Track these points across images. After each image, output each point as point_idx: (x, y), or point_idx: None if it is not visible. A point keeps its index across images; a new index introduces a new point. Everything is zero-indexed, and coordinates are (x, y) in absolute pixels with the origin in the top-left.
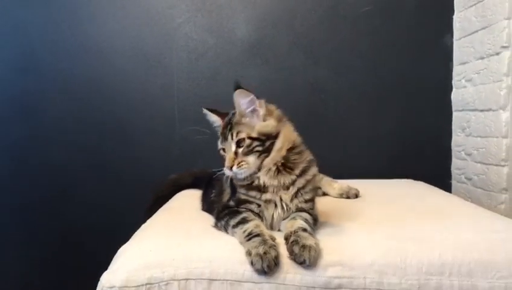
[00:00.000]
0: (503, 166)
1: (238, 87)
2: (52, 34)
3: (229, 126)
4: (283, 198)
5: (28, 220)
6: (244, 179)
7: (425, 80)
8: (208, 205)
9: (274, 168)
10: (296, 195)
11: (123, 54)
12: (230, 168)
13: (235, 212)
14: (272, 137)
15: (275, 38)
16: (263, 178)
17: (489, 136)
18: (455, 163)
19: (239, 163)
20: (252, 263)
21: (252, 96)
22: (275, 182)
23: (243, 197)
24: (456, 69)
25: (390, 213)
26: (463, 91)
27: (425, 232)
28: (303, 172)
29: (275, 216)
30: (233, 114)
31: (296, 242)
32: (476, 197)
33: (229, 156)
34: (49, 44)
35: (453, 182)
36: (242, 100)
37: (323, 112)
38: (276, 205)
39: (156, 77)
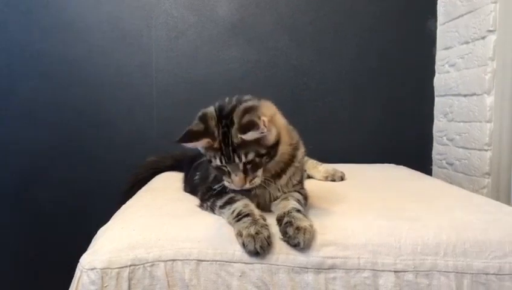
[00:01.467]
0: (487, 150)
1: (248, 128)
2: (22, 6)
3: (231, 148)
4: (272, 188)
5: None
6: None
7: (407, 65)
8: (191, 187)
9: None
10: (287, 184)
11: (98, 30)
12: (241, 186)
13: (221, 193)
14: (275, 144)
15: (258, 17)
16: None
17: (472, 121)
18: (436, 148)
19: (251, 181)
20: (243, 245)
21: (260, 128)
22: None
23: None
24: (439, 54)
25: (379, 195)
26: (446, 76)
27: (417, 212)
28: (291, 159)
29: (261, 205)
30: (228, 131)
31: (290, 223)
32: (457, 182)
33: (239, 177)
34: (18, 17)
35: (434, 167)
36: (251, 136)
37: (306, 95)
38: (265, 195)
39: (133, 55)
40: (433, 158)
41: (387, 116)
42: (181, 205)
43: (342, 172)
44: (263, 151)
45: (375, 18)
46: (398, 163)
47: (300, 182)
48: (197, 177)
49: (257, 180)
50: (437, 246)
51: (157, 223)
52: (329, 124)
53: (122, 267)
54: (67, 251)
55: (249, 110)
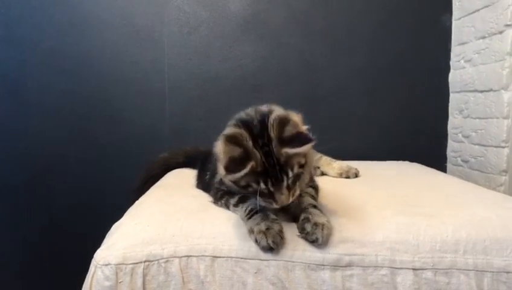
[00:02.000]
0: (504, 147)
1: (302, 142)
2: (34, 2)
3: (278, 167)
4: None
5: (9, 201)
6: None
7: (422, 60)
8: (203, 184)
9: None
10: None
11: (110, 26)
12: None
13: (232, 191)
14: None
15: (270, 13)
16: None
17: (489, 118)
18: (451, 145)
19: (293, 194)
20: (256, 241)
21: (313, 140)
22: None
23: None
24: (455, 50)
25: (395, 192)
26: (461, 72)
27: (435, 209)
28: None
29: None
30: (269, 150)
31: (307, 219)
32: (472, 179)
33: (285, 194)
34: (32, 14)
35: (448, 165)
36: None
37: (319, 91)
38: None
39: (145, 51)
40: (447, 156)
41: (401, 112)
42: (195, 201)
43: (356, 169)
44: (303, 160)
45: (389, 13)
46: (411, 160)
47: (310, 178)
48: (208, 175)
49: (298, 191)
50: (456, 244)
51: (172, 219)
52: (343, 121)
53: (136, 263)
54: (79, 248)
55: (285, 122)
